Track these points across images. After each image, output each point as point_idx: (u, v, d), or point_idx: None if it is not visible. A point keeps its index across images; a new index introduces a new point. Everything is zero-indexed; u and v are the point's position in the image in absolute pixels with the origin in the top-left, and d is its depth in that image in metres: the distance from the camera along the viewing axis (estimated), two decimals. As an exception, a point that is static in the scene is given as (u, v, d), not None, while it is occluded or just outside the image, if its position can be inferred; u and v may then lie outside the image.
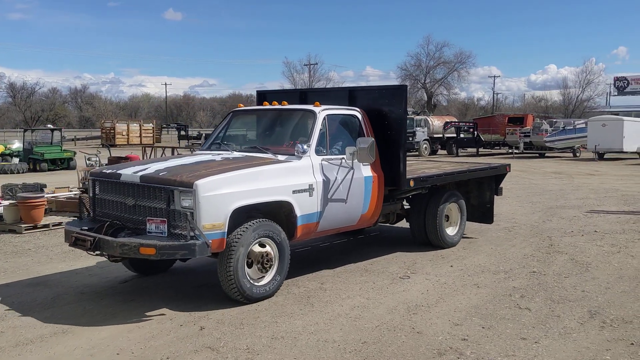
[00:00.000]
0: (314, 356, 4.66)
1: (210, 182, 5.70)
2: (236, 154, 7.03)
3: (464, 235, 9.21)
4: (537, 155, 34.12)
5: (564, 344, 4.90)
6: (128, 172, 6.22)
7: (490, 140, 40.83)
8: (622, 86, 66.32)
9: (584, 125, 33.50)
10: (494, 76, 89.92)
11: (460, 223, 9.01)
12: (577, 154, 33.53)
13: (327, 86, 71.05)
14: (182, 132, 54.10)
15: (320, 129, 6.98)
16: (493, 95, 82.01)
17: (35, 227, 10.15)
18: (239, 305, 5.90)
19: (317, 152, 6.83)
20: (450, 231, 8.80)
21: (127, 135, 50.87)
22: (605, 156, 31.14)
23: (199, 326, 5.33)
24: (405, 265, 7.61)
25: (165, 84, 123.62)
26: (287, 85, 71.87)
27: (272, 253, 6.21)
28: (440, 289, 6.53)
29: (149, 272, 7.17)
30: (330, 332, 5.18)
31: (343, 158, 7.01)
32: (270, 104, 7.83)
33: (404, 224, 9.06)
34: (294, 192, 6.41)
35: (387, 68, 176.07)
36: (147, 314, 5.70)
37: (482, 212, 9.77)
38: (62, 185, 14.85)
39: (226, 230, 5.74)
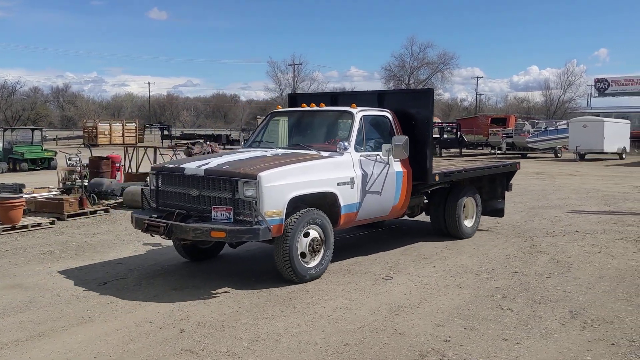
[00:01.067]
0: (295, 358, 4.60)
1: (271, 174, 6.42)
2: (282, 151, 7.75)
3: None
4: (520, 155, 34.36)
5: (546, 344, 4.90)
6: (192, 167, 6.91)
7: (473, 140, 41.10)
8: (602, 87, 66.96)
9: (565, 126, 33.85)
10: (477, 77, 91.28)
11: (476, 216, 9.71)
12: (559, 155, 33.84)
13: (312, 86, 71.17)
14: (165, 132, 53.79)
15: (358, 128, 7.72)
16: (476, 96, 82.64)
17: (13, 228, 9.97)
18: (219, 307, 5.84)
19: (356, 149, 7.58)
20: (468, 223, 9.49)
21: (110, 135, 50.33)
22: (586, 157, 31.45)
23: (179, 329, 5.25)
24: (388, 266, 7.59)
25: (149, 84, 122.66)
26: (272, 85, 71.92)
27: (320, 238, 6.94)
28: (423, 289, 6.51)
29: (199, 259, 7.89)
30: (312, 334, 5.13)
31: (378, 154, 7.75)
32: (304, 105, 8.67)
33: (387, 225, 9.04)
34: (338, 184, 7.17)
35: (371, 69, 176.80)
36: (126, 316, 5.61)
37: (493, 207, 10.38)
38: (42, 185, 14.62)
39: (284, 217, 6.46)
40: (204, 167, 6.77)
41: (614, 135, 30.74)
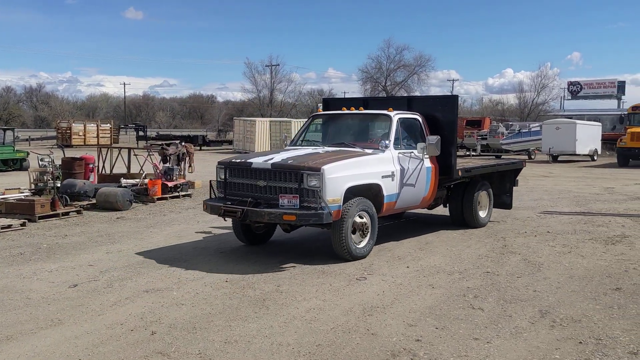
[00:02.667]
0: (267, 360, 4.60)
1: (332, 167, 7.55)
2: (330, 148, 8.78)
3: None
4: (494, 157, 34.68)
5: (515, 343, 4.96)
6: (259, 161, 7.97)
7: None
8: (575, 90, 68.17)
9: (538, 129, 34.30)
10: (453, 80, 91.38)
11: (489, 207, 10.84)
12: (532, 156, 34.29)
13: (289, 87, 71.13)
14: (141, 133, 53.22)
15: (395, 129, 8.83)
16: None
17: (-18, 230, 9.79)
18: (191, 309, 5.81)
19: (395, 147, 8.70)
20: (482, 214, 10.61)
21: (84, 135, 49.62)
22: (558, 158, 31.94)
23: (150, 331, 5.20)
24: (362, 266, 7.62)
25: (124, 84, 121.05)
26: (249, 86, 71.59)
27: (367, 223, 8.01)
28: (396, 289, 6.55)
29: (255, 243, 8.90)
30: (285, 335, 5.13)
31: (412, 151, 8.91)
32: (344, 109, 9.73)
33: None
34: (382, 177, 8.29)
35: (348, 70, 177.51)
36: (97, 319, 5.54)
37: (502, 200, 11.50)
38: (13, 186, 14.39)
39: (341, 204, 7.56)
40: (270, 162, 7.85)
41: (585, 137, 31.24)
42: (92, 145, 44.87)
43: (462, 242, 9.25)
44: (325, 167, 7.45)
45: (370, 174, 8.15)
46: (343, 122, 9.85)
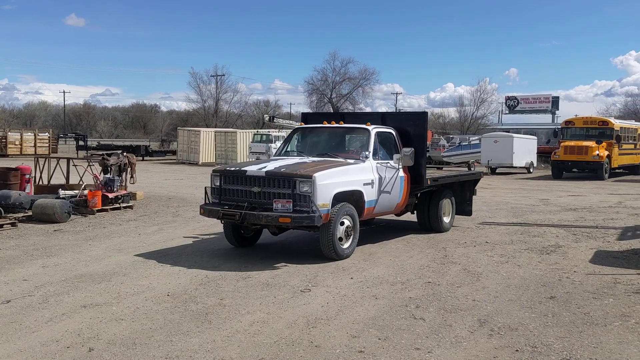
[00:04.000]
0: (209, 375, 4.54)
1: (322, 175, 8.34)
2: (314, 158, 9.54)
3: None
4: (435, 169, 35.52)
5: (455, 352, 5.08)
6: (253, 169, 8.71)
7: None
8: (512, 105, 70.56)
9: (478, 142, 35.30)
10: (397, 93, 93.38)
11: (452, 214, 11.81)
12: (472, 169, 35.19)
13: (235, 98, 70.73)
14: (81, 142, 51.73)
15: (374, 141, 9.72)
16: (396, 111, 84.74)
17: None
18: (131, 324, 5.67)
19: (373, 157, 9.57)
20: (446, 219, 11.56)
21: (21, 145, 47.71)
22: (497, 170, 32.94)
23: (88, 347, 5.05)
24: (306, 278, 7.63)
25: (64, 92, 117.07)
26: (193, 96, 70.82)
27: (351, 226, 8.83)
28: (340, 301, 6.60)
29: (244, 245, 9.56)
30: (228, 349, 5.07)
31: (389, 162, 9.86)
32: (325, 123, 10.75)
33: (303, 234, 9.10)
34: (364, 184, 9.16)
35: (295, 82, 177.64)
36: (31, 336, 5.33)
37: (462, 208, 12.49)
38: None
39: (330, 208, 8.33)
40: (264, 170, 8.59)
41: (522, 150, 32.37)
42: (29, 154, 43.27)
43: (405, 252, 9.41)
44: (316, 175, 8.22)
45: (354, 182, 8.99)
46: (324, 135, 10.73)
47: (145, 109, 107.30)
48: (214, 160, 40.93)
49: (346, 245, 8.78)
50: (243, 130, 43.30)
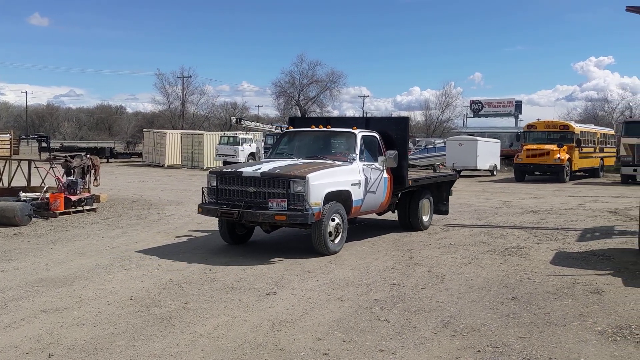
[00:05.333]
0: (172, 379, 4.49)
1: (315, 175, 8.88)
2: (304, 160, 10.04)
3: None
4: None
5: (418, 354, 5.14)
6: (248, 170, 9.23)
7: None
8: (477, 109, 71.74)
9: (443, 145, 35.77)
10: (364, 96, 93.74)
11: (430, 213, 12.44)
12: (437, 171, 35.65)
13: (202, 99, 70.31)
14: (44, 144, 50.59)
15: (360, 144, 10.30)
16: (363, 114, 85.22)
17: None
18: (92, 329, 5.58)
19: (360, 160, 10.13)
20: (425, 218, 12.15)
21: (-22, 146, 46.53)
22: (461, 173, 33.37)
23: (48, 353, 4.95)
24: (272, 281, 7.62)
25: (27, 92, 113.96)
26: (159, 98, 70.18)
27: (340, 223, 9.40)
28: (306, 303, 6.61)
29: (238, 242, 10.08)
30: (191, 353, 5.03)
31: (374, 163, 10.41)
32: (313, 127, 11.27)
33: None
34: (351, 184, 9.73)
35: (263, 84, 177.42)
36: (-12, 343, 5.20)
37: (439, 207, 13.07)
38: None
39: (321, 207, 8.88)
40: (259, 171, 9.12)
41: (486, 153, 32.87)
42: (-13, 156, 42.15)
43: (370, 254, 9.47)
44: (310, 176, 8.77)
45: (343, 182, 9.55)
46: (313, 138, 11.23)
47: (111, 111, 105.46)
48: (180, 163, 40.52)
49: (336, 241, 9.35)
50: (210, 133, 42.97)
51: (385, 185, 10.76)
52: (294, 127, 12.01)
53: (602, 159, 33.44)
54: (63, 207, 13.42)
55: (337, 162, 9.92)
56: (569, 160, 28.52)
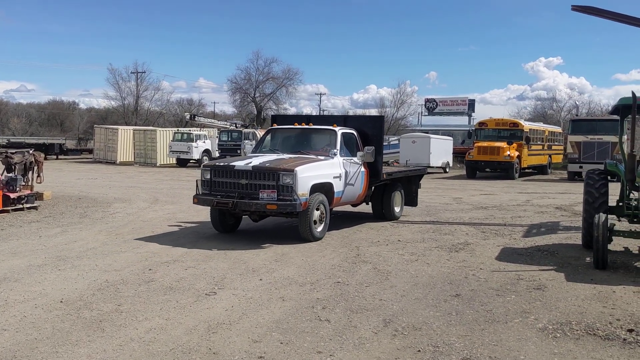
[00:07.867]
0: (95, 388, 4.23)
1: (302, 168, 9.77)
2: (290, 155, 10.91)
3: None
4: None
5: (357, 355, 5.00)
6: (240, 164, 10.13)
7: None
8: (431, 107, 72.66)
9: (397, 142, 35.95)
10: (321, 94, 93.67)
11: (402, 204, 13.51)
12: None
13: (157, 95, 68.89)
14: (-12, 140, 48.69)
15: (340, 141, 11.25)
16: (319, 112, 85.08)
17: None
18: (15, 334, 5.24)
19: (340, 155, 11.06)
20: (397, 209, 13.21)
21: None
22: (416, 170, 33.63)
23: (-39, 363, 4.61)
24: (214, 280, 7.38)
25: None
26: (112, 93, 68.44)
27: (324, 213, 10.34)
28: (246, 304, 6.40)
29: (228, 231, 10.88)
30: (119, 359, 4.77)
31: (352, 158, 11.35)
32: (296, 124, 12.13)
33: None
34: (333, 177, 10.66)
35: (220, 81, 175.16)
36: None
37: (409, 199, 14.03)
38: None
39: (308, 197, 9.77)
40: (250, 165, 9.99)
41: (439, 150, 33.22)
42: None
43: (318, 252, 9.32)
44: (297, 169, 9.65)
45: (326, 175, 10.45)
46: (296, 135, 12.05)
47: (63, 106, 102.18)
48: (133, 159, 39.62)
49: (320, 229, 10.27)
50: (163, 129, 42.11)
51: (363, 179, 11.66)
52: (277, 125, 12.82)
53: (550, 156, 34.21)
54: (1, 205, 12.86)
55: (319, 157, 10.79)
56: (519, 157, 29.06)
